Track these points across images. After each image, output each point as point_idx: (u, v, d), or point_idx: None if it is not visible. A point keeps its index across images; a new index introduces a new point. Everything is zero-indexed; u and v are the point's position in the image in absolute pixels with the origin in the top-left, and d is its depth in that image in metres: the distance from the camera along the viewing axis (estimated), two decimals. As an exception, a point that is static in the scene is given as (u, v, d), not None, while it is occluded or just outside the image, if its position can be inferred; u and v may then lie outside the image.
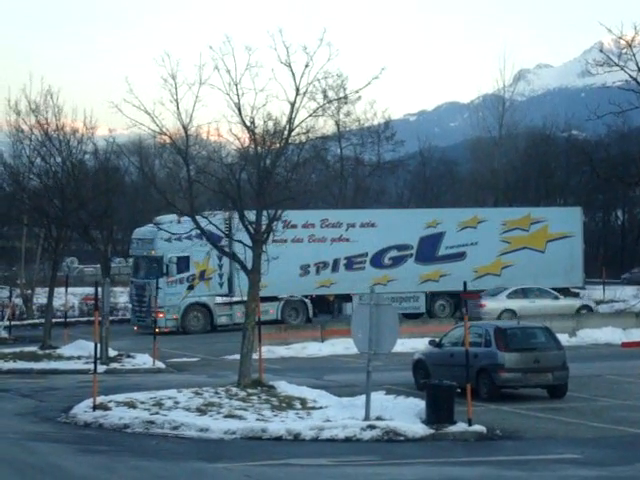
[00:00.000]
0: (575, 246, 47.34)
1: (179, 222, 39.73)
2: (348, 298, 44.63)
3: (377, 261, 45.17)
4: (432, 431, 19.32)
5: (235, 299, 43.66)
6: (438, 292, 44.60)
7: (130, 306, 46.39)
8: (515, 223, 46.84)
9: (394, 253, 45.45)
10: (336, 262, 43.92)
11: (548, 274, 45.53)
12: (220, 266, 43.33)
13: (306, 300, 44.59)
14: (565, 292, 46.30)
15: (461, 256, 45.91)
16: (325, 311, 44.87)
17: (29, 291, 53.16)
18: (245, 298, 42.69)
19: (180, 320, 42.52)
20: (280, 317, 44.01)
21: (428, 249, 45.59)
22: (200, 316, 43.22)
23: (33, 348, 35.58)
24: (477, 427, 19.57)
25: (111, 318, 45.77)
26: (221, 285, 43.39)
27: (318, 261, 43.28)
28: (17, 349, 35.32)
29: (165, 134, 26.11)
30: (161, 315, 40.56)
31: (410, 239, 45.52)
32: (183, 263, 42.54)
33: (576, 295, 46.94)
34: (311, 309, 44.78)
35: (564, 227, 47.32)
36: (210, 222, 25.79)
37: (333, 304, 44.71)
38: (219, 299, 44.03)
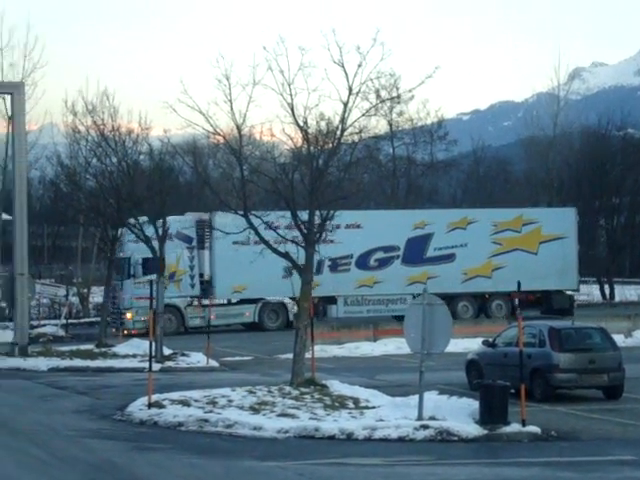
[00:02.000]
0: (569, 248, 46.40)
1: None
2: (333, 300, 44.08)
3: (363, 263, 44.42)
4: (486, 431, 19.23)
5: (208, 301, 43.13)
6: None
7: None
8: (506, 224, 45.93)
9: (380, 254, 44.71)
10: (320, 263, 42.19)
11: (541, 276, 44.53)
12: (191, 267, 42.81)
13: (286, 302, 44.05)
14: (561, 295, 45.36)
15: (450, 258, 45.19)
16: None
17: (85, 290, 53.85)
18: (223, 301, 43.06)
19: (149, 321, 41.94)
20: (257, 320, 43.64)
21: (416, 251, 44.80)
22: (172, 317, 42.39)
23: (89, 346, 36.05)
24: (531, 428, 19.44)
25: (93, 320, 46.11)
26: (192, 286, 42.83)
27: (302, 263, 41.86)
28: (74, 347, 35.80)
29: (219, 134, 26.30)
30: (129, 316, 40.39)
31: (397, 240, 44.78)
32: (153, 264, 42.20)
33: None
34: (293, 312, 44.58)
35: (557, 228, 46.33)
36: (263, 221, 25.89)
37: (317, 306, 44.10)
38: (195, 301, 43.50)
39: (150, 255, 40.67)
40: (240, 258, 40.92)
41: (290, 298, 44.37)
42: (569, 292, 47.27)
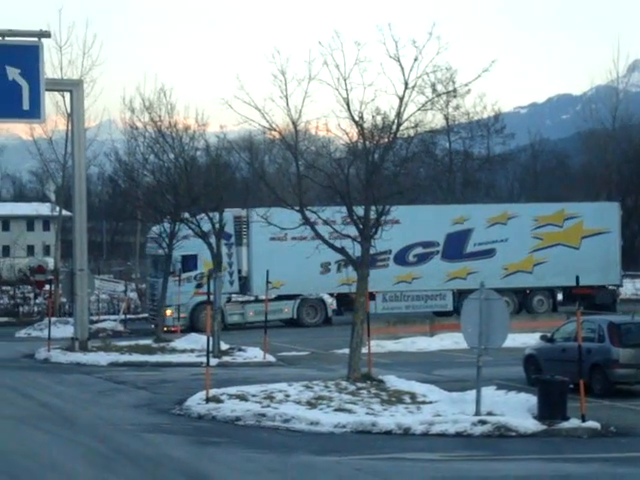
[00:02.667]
0: (612, 242, 45.62)
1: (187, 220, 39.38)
2: (371, 296, 43.74)
3: (401, 258, 44.02)
4: (544, 427, 19.09)
5: (248, 298, 43.32)
6: (466, 290, 43.19)
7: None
8: (548, 219, 45.27)
9: (419, 250, 44.28)
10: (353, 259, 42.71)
11: (583, 271, 43.73)
12: (230, 264, 42.67)
13: (325, 299, 43.88)
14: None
15: (490, 253, 44.64)
16: (348, 309, 43.86)
17: (143, 285, 54.32)
18: (263, 297, 42.93)
19: (189, 318, 41.75)
20: (296, 316, 43.48)
21: (455, 246, 44.34)
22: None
23: (147, 341, 36.35)
24: (591, 423, 19.25)
25: (132, 316, 46.27)
26: (231, 283, 42.58)
27: (339, 258, 40.92)
28: (132, 342, 36.14)
29: (275, 130, 26.36)
30: (168, 313, 40.38)
31: (436, 236, 44.37)
32: (190, 261, 41.86)
33: None
34: (331, 308, 44.24)
35: (600, 223, 45.56)
36: (319, 217, 25.92)
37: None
38: (237, 297, 43.42)
39: (189, 252, 41.07)
40: (277, 254, 41.00)
41: (329, 294, 44.44)
42: (612, 287, 46.68)
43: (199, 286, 42.01)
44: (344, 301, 44.01)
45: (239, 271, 43.44)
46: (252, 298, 43.62)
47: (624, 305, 46.04)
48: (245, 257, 43.46)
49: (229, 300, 43.28)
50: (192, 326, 41.14)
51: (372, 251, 41.83)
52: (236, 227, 43.05)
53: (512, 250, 44.56)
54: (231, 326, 42.07)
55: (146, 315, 49.44)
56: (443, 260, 44.46)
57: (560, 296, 46.24)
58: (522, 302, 44.92)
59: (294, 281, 42.23)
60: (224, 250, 42.83)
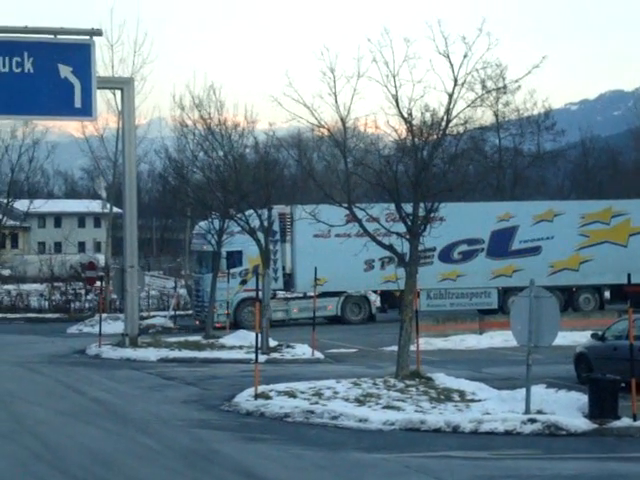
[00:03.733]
0: None
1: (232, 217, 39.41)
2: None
3: (446, 256, 43.54)
4: (595, 426, 18.92)
5: (292, 295, 43.18)
6: (511, 287, 42.22)
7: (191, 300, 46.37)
8: (595, 216, 44.56)
9: (464, 247, 43.81)
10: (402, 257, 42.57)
11: (631, 269, 43.09)
12: (275, 261, 42.44)
13: (369, 296, 43.65)
14: None
15: (536, 250, 44.03)
16: (393, 306, 42.95)
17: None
18: (310, 293, 42.83)
19: (233, 315, 41.54)
20: (340, 313, 43.31)
21: (500, 243, 43.83)
22: (255, 311, 42.59)
23: (197, 337, 36.58)
24: (642, 423, 19.04)
25: (181, 312, 46.49)
26: (276, 280, 42.24)
27: (383, 255, 40.14)
28: (182, 338, 36.38)
29: (323, 127, 26.38)
30: (214, 309, 40.36)
31: (481, 233, 43.90)
32: (235, 258, 41.67)
33: None
34: (375, 305, 43.93)
35: None
36: (367, 214, 25.89)
37: (400, 300, 43.51)
38: (282, 294, 43.40)
39: (234, 249, 41.17)
40: (321, 251, 40.99)
41: (372, 291, 44.25)
42: None
43: (243, 282, 42.16)
44: (388, 298, 43.94)
45: (283, 268, 43.53)
46: (296, 295, 43.65)
47: None
48: (289, 254, 43.55)
49: (274, 296, 43.34)
50: (235, 322, 41.26)
51: (419, 248, 42.08)
52: (281, 224, 43.12)
53: (558, 248, 44.18)
54: (275, 322, 42.14)
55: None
56: (488, 257, 44.20)
57: (607, 294, 45.75)
58: (568, 300, 44.52)
59: (337, 278, 42.20)
60: (270, 247, 43.01)
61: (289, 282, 43.66)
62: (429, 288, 43.21)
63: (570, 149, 75.58)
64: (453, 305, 43.73)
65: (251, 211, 34.57)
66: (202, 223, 42.04)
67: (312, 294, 43.75)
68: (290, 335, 36.67)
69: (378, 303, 45.13)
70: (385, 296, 44.17)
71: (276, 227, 42.14)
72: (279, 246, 43.29)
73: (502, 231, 44.34)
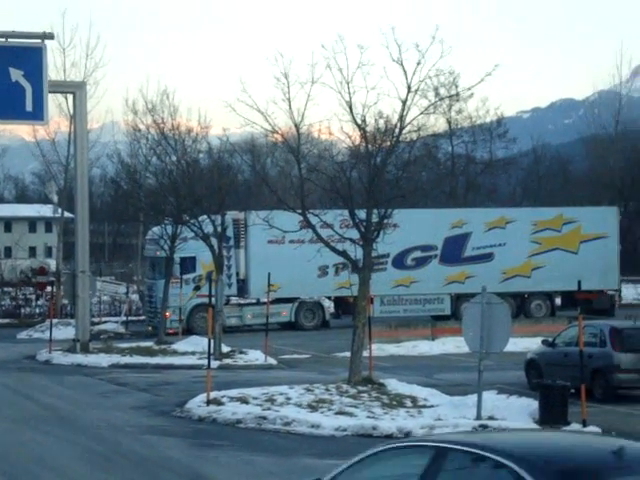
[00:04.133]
0: (610, 247, 45.50)
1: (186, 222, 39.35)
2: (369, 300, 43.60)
3: (399, 262, 43.83)
4: (545, 432, 19.07)
5: (246, 301, 43.20)
6: (464, 294, 42.12)
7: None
8: (546, 223, 45.15)
9: (417, 254, 44.15)
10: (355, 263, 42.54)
11: (581, 276, 43.72)
12: (229, 267, 42.42)
13: (322, 302, 43.74)
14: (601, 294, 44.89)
15: (488, 257, 44.51)
16: (346, 312, 42.98)
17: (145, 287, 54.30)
18: (263, 299, 42.87)
19: (186, 321, 41.40)
20: (294, 319, 43.35)
21: (453, 250, 44.19)
22: (207, 317, 42.55)
23: (149, 343, 36.37)
24: (592, 428, 19.22)
25: (133, 318, 46.34)
26: (230, 286, 42.23)
27: (337, 262, 39.40)
28: (134, 344, 36.15)
29: (277, 133, 26.38)
30: (167, 315, 40.24)
31: (434, 239, 44.21)
32: (189, 264, 41.58)
33: None
34: (329, 311, 44.03)
35: (598, 228, 45.47)
36: (321, 220, 25.92)
37: (354, 306, 43.54)
38: (235, 300, 43.41)
39: (187, 255, 40.93)
40: (275, 257, 40.95)
41: (326, 297, 44.28)
42: (610, 292, 46.61)
43: (197, 288, 41.91)
44: (342, 305, 43.93)
45: (237, 274, 43.37)
46: (250, 301, 43.52)
47: (625, 310, 46.02)
48: (243, 260, 43.40)
49: (227, 303, 43.14)
50: (189, 328, 41.03)
51: (372, 254, 42.16)
52: (235, 230, 42.99)
53: (510, 254, 44.50)
54: (229, 329, 41.96)
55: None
56: (441, 264, 44.38)
57: (558, 301, 46.20)
58: (520, 306, 44.88)
59: (291, 284, 42.14)
60: (223, 253, 42.83)
61: (243, 288, 43.53)
62: (383, 294, 43.31)
63: (522, 157, 76.30)
64: (406, 311, 43.88)
65: (205, 217, 34.43)
66: (155, 228, 41.77)
67: (266, 300, 43.78)
68: (243, 341, 36.58)
69: (332, 309, 45.13)
70: (339, 302, 44.18)
71: (230, 233, 42.01)
72: (233, 252, 43.15)
73: (455, 238, 44.56)
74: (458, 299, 43.66)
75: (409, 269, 44.12)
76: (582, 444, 7.84)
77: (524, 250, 44.77)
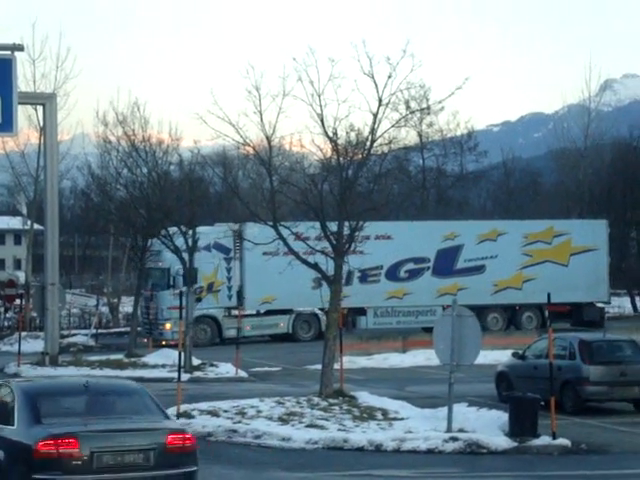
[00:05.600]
0: (600, 260, 46.00)
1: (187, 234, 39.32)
2: (362, 311, 43.88)
3: (393, 274, 44.12)
4: (515, 444, 19.12)
5: (245, 312, 43.00)
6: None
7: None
8: (537, 236, 45.55)
9: (410, 266, 44.38)
10: (350, 275, 40.90)
11: (572, 288, 44.17)
12: (229, 278, 42.66)
13: (318, 313, 43.76)
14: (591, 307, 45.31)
15: (480, 269, 44.84)
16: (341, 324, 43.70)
17: (115, 300, 54.05)
18: (253, 311, 42.85)
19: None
20: (291, 331, 43.45)
21: (446, 262, 44.47)
22: (207, 329, 42.48)
23: (119, 356, 36.17)
24: (561, 441, 19.31)
25: (122, 329, 46.08)
26: (230, 297, 42.54)
27: (331, 274, 40.43)
28: (103, 357, 35.94)
29: (249, 145, 26.34)
30: (168, 327, 40.17)
31: (427, 252, 44.48)
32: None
33: None
34: (324, 323, 44.35)
35: (588, 240, 45.94)
36: (292, 232, 25.91)
37: (347, 318, 42.94)
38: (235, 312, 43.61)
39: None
40: (270, 269, 40.89)
41: (319, 309, 44.27)
42: (600, 304, 46.95)
43: (198, 300, 41.93)
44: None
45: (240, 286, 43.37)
46: (249, 312, 43.49)
47: (618, 322, 46.62)
48: (239, 271, 43.41)
49: (228, 314, 43.17)
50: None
51: (364, 266, 42.47)
52: (235, 241, 42.96)
53: (502, 266, 44.77)
54: (228, 340, 42.08)
55: (118, 330, 49.22)
56: (434, 276, 44.59)
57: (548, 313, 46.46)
58: (511, 318, 45.11)
59: (286, 296, 42.11)
60: (223, 264, 42.84)
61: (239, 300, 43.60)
62: (376, 306, 43.53)
63: (492, 170, 76.65)
64: (399, 323, 44.01)
65: (188, 229, 34.27)
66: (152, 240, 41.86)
67: (262, 311, 43.79)
68: (216, 354, 36.46)
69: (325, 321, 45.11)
70: None
71: (229, 244, 42.03)
72: (233, 263, 43.14)
73: (447, 250, 44.82)
74: None
75: (402, 281, 44.35)
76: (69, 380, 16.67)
77: (515, 262, 45.09)
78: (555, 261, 45.47)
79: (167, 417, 13.80)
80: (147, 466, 12.52)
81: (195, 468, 13.10)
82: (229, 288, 42.65)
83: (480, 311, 43.31)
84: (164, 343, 39.34)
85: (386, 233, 43.97)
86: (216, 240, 41.71)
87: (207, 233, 40.05)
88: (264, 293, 42.74)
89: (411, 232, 44.44)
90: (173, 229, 34.75)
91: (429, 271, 44.54)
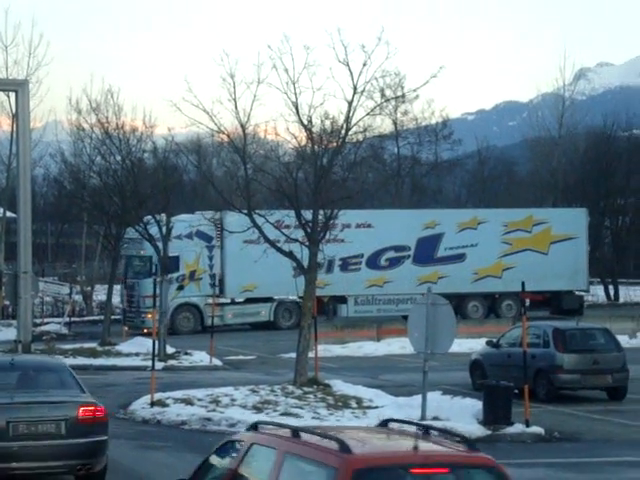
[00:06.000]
0: (579, 248, 46.31)
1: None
2: (343, 299, 43.99)
3: (373, 262, 44.24)
4: (489, 432, 19.20)
5: (226, 300, 43.30)
6: (436, 294, 42.41)
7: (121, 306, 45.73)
8: (517, 224, 45.74)
9: (391, 254, 44.52)
10: (330, 263, 42.13)
11: (551, 276, 44.55)
12: (211, 266, 42.61)
13: (300, 301, 44.15)
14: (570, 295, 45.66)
15: (460, 257, 45.00)
16: (320, 312, 43.95)
17: (89, 288, 53.81)
18: (228, 300, 42.83)
19: (169, 320, 41.00)
20: (272, 319, 43.47)
21: (426, 250, 44.63)
22: (190, 316, 42.58)
23: (92, 344, 36.00)
24: (535, 428, 19.40)
25: (96, 318, 45.81)
26: (212, 285, 42.36)
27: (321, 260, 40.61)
28: (77, 345, 35.78)
29: (223, 133, 26.27)
30: (150, 315, 40.18)
31: (408, 240, 44.58)
32: (172, 263, 40.75)
33: None
34: None
35: (568, 229, 46.17)
36: (267, 220, 25.85)
37: (328, 305, 43.53)
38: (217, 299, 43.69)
39: (174, 254, 40.86)
40: (251, 257, 40.83)
41: (300, 297, 44.21)
42: (579, 293, 47.22)
43: (180, 288, 41.87)
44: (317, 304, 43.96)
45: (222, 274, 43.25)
46: (226, 300, 43.40)
47: (592, 310, 46.93)
48: (219, 260, 43.30)
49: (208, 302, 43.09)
50: (172, 328, 40.96)
51: (345, 255, 42.56)
52: (217, 230, 42.83)
53: (482, 255, 44.87)
54: (210, 328, 41.91)
55: (91, 318, 48.98)
56: (414, 264, 44.64)
57: (527, 301, 46.63)
58: (491, 306, 45.24)
59: (267, 284, 42.03)
60: (205, 252, 42.73)
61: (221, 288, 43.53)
62: (357, 294, 43.60)
63: (467, 158, 76.80)
64: (380, 311, 44.07)
65: (178, 216, 34.09)
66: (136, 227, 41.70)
67: (243, 299, 43.74)
68: (190, 342, 36.38)
69: None
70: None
71: (212, 232, 41.88)
72: (215, 252, 43.02)
73: (428, 238, 44.89)
74: None
75: (383, 269, 44.38)
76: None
77: (495, 251, 45.20)
78: (535, 249, 45.65)
79: (83, 391, 14.85)
80: (59, 435, 13.82)
81: (105, 437, 14.26)
82: (211, 276, 42.62)
83: (460, 299, 43.78)
84: (145, 331, 39.24)
85: (367, 221, 44.13)
86: (198, 228, 41.58)
87: (188, 221, 39.90)
88: (245, 281, 42.66)
89: (392, 220, 44.51)
90: (149, 217, 34.58)
91: (410, 259, 44.63)
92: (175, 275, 41.79)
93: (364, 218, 43.89)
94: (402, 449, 7.55)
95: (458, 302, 44.07)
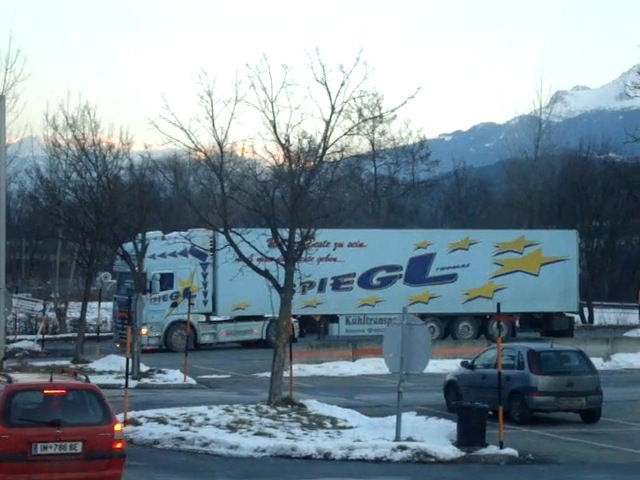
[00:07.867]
0: (570, 270, 46.42)
1: (163, 239, 39.57)
2: (334, 319, 44.03)
3: (365, 281, 44.21)
4: (463, 453, 19.15)
5: (218, 318, 43.27)
6: (427, 314, 41.93)
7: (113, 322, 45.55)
8: (508, 245, 45.86)
9: (383, 274, 44.49)
10: (323, 282, 42.79)
11: (542, 298, 44.75)
12: (205, 284, 42.54)
13: (292, 320, 44.14)
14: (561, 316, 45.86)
15: (452, 278, 44.99)
16: (312, 331, 43.81)
17: (62, 305, 53.43)
18: (227, 317, 42.80)
19: (163, 337, 41.58)
20: (265, 337, 43.30)
21: (418, 270, 44.62)
22: (184, 334, 42.82)
23: (65, 362, 35.71)
24: (509, 450, 19.36)
25: (69, 335, 45.62)
26: (205, 303, 42.50)
27: (304, 280, 40.83)
28: (49, 363, 35.44)
29: (200, 150, 26.22)
30: (144, 332, 40.00)
31: (400, 260, 44.58)
32: (167, 280, 41.65)
33: None
34: (297, 329, 43.90)
35: (559, 250, 46.31)
36: (243, 239, 25.77)
37: (319, 324, 43.62)
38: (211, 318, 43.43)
39: (165, 271, 40.80)
40: (242, 275, 40.68)
41: (292, 316, 44.12)
42: (569, 314, 47.40)
43: (174, 305, 41.75)
44: (307, 323, 43.98)
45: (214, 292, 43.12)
46: (224, 318, 43.28)
47: (584, 332, 47.05)
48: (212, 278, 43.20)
49: (206, 320, 43.02)
50: (166, 345, 41.19)
51: (337, 273, 42.60)
52: (212, 247, 42.70)
53: (473, 275, 44.93)
54: (203, 346, 41.81)
55: (65, 335, 48.61)
56: (406, 284, 44.63)
57: (517, 322, 46.69)
58: (482, 327, 45.27)
59: (259, 302, 41.81)
60: (199, 270, 42.63)
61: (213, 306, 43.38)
62: (348, 313, 43.56)
63: (443, 179, 77.02)
64: (371, 330, 43.94)
65: (175, 234, 33.97)
66: (128, 244, 41.56)
67: (235, 317, 43.65)
68: (164, 360, 36.16)
69: (297, 327, 45.01)
70: (305, 320, 43.99)
71: (206, 250, 41.76)
72: (209, 269, 42.90)
73: (420, 258, 44.91)
74: (422, 319, 43.81)
75: (374, 289, 44.37)
76: None
77: (486, 271, 45.27)
78: (526, 271, 45.81)
79: None
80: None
81: None
82: (205, 294, 42.57)
83: (451, 319, 43.85)
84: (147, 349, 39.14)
85: (359, 240, 44.26)
86: (192, 246, 41.49)
87: (179, 239, 39.90)
88: (237, 299, 42.50)
89: (384, 240, 44.66)
90: (149, 234, 34.59)
91: (401, 279, 44.69)
92: (169, 292, 41.87)
93: (357, 237, 44.11)
94: (42, 380, 15.00)
95: (449, 322, 44.17)
